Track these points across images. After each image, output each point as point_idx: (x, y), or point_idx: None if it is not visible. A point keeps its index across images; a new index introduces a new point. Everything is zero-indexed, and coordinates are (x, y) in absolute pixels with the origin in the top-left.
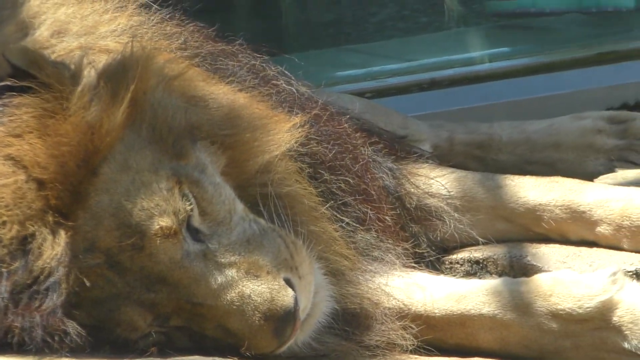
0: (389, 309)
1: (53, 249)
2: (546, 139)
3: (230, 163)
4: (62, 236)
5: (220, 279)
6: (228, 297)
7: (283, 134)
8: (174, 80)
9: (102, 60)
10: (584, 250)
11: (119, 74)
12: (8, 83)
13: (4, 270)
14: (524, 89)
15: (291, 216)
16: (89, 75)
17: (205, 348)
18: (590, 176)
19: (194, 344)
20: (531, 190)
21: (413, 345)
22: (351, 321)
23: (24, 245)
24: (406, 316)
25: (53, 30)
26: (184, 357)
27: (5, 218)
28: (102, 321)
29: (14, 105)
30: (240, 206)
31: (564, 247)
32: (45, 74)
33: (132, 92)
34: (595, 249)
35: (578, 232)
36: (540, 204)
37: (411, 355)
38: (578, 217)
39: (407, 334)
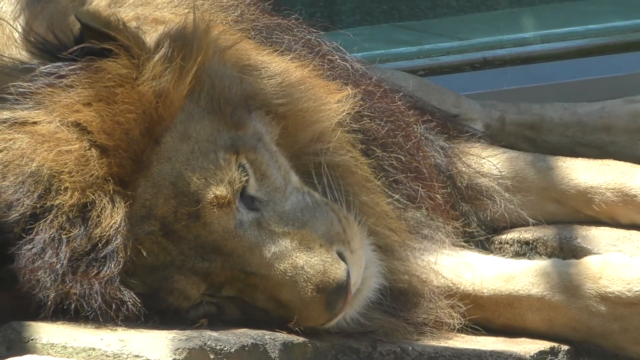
0: (438, 287)
1: (112, 217)
2: (597, 122)
3: (284, 133)
4: (121, 205)
5: (273, 248)
6: (281, 267)
7: (336, 104)
8: (227, 50)
9: (158, 31)
10: (634, 233)
11: (186, 45)
12: (89, 45)
13: (63, 236)
14: (576, 71)
15: (343, 186)
16: (163, 45)
17: (255, 321)
18: None
19: (244, 315)
20: (583, 173)
21: (460, 324)
22: (399, 298)
23: (83, 212)
24: (454, 295)
25: (110, 0)
26: (232, 330)
27: (67, 184)
28: (155, 289)
29: (92, 70)
30: (294, 177)
31: (614, 230)
32: (125, 37)
33: (198, 64)
34: None
35: (629, 215)
36: (591, 187)
37: (458, 334)
38: (629, 200)
39: (455, 312)
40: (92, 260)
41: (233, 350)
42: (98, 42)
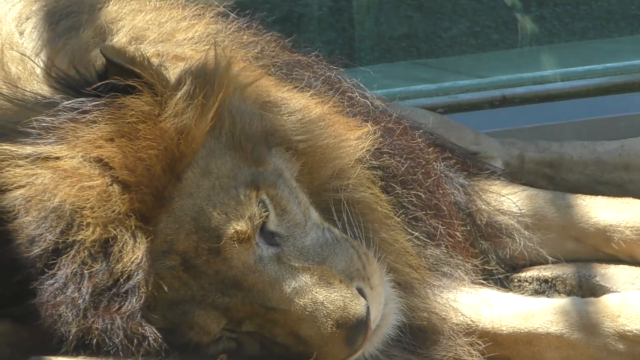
0: (457, 324)
1: (133, 252)
2: (617, 160)
3: (304, 169)
4: (143, 240)
5: (293, 283)
6: (301, 303)
7: (356, 140)
8: (248, 87)
9: (179, 67)
10: None
11: (207, 82)
12: (113, 81)
13: (85, 272)
14: (595, 109)
15: (363, 223)
16: (185, 82)
17: (274, 357)
18: None
19: (264, 351)
20: (602, 211)
21: None
22: (418, 335)
23: (105, 248)
24: (473, 332)
25: (131, 37)
26: None
27: (89, 220)
28: (175, 324)
29: (116, 106)
30: (314, 213)
31: (633, 268)
32: (149, 74)
33: (219, 101)
34: None
35: None
36: (610, 225)
37: None
38: None
39: (474, 350)
40: (114, 295)
41: None
42: (122, 78)
